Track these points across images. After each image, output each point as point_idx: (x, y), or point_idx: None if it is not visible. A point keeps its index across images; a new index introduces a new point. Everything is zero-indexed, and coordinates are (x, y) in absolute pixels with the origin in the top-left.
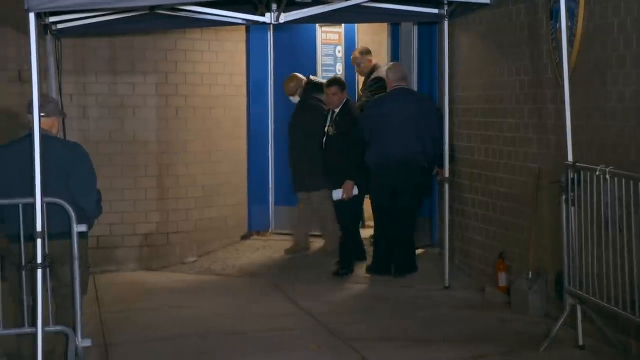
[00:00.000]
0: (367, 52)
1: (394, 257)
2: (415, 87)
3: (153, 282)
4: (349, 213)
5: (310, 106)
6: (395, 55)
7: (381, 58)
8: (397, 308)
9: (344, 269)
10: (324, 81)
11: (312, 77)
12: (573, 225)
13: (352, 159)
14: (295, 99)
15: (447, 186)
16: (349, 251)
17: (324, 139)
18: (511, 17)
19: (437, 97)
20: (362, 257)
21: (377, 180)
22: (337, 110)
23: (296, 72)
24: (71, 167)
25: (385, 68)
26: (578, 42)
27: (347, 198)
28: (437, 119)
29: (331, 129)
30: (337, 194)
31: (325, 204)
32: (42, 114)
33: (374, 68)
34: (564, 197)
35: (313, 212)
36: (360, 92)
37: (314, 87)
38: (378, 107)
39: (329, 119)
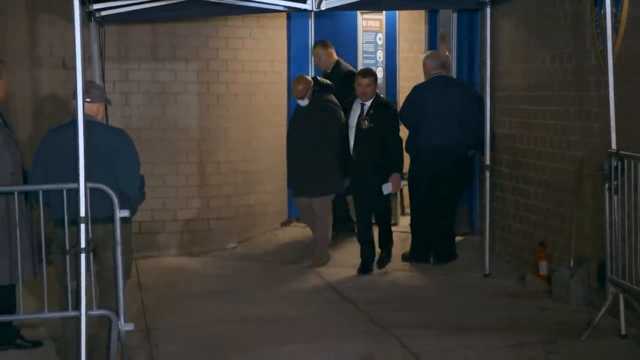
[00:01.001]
0: (328, 46)
1: (433, 245)
2: (453, 75)
3: (193, 267)
4: (385, 205)
5: (323, 108)
6: (432, 42)
7: (420, 46)
8: (437, 296)
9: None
10: (329, 82)
11: (318, 78)
12: (615, 214)
13: (397, 151)
14: (304, 102)
15: (487, 174)
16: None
17: (353, 134)
18: (554, 3)
19: (478, 84)
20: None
21: (418, 168)
22: (368, 103)
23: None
24: (115, 153)
25: (423, 56)
26: (622, 28)
27: (396, 191)
28: (477, 105)
29: (365, 123)
30: (387, 188)
31: (327, 211)
32: (87, 100)
33: (337, 62)
34: (606, 185)
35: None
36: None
37: (321, 88)
38: (418, 95)
39: (360, 112)
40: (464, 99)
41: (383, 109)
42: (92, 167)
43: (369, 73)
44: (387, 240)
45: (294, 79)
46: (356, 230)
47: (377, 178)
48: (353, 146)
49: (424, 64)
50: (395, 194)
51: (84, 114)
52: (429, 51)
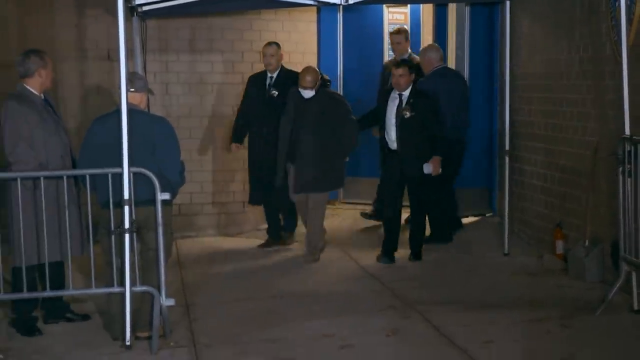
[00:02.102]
0: (278, 46)
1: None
2: (467, 66)
3: (229, 247)
4: (428, 195)
5: (331, 97)
6: (440, 35)
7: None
8: (458, 274)
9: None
10: (327, 76)
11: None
12: (628, 196)
13: (440, 136)
14: (310, 93)
15: (507, 158)
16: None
17: (394, 126)
18: None
19: (497, 74)
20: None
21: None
22: (405, 93)
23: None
24: (157, 140)
25: (422, 49)
26: (636, 20)
27: (436, 173)
28: (468, 91)
29: (406, 112)
30: (427, 168)
31: (322, 206)
32: (131, 90)
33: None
34: (620, 169)
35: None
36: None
37: (323, 82)
38: (434, 85)
39: (398, 103)
40: (462, 86)
41: (422, 97)
42: (136, 153)
43: (402, 63)
44: (422, 233)
45: (324, 70)
46: (384, 219)
47: (417, 167)
48: (397, 138)
49: (427, 58)
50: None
51: (128, 103)
52: (428, 44)
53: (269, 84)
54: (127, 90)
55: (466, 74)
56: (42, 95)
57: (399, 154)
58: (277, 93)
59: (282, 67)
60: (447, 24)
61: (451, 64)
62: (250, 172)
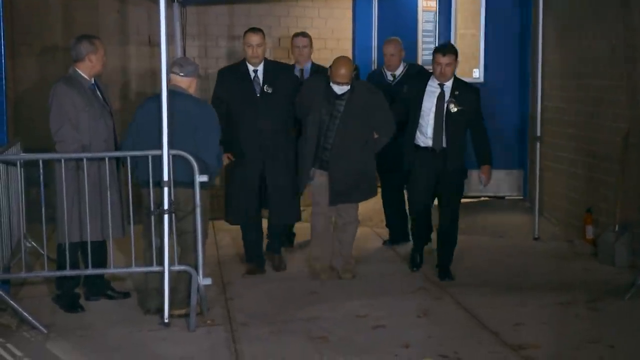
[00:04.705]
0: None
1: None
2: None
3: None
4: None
5: (370, 89)
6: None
7: (475, 26)
8: (489, 257)
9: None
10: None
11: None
12: None
13: (487, 140)
14: (344, 89)
15: (538, 144)
16: None
17: (432, 120)
18: None
19: (530, 60)
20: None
21: None
22: (448, 84)
23: (396, 37)
24: (199, 123)
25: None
26: None
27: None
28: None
29: (453, 106)
30: (483, 181)
31: (357, 218)
32: (180, 74)
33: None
34: None
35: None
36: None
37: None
38: None
39: (439, 94)
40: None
41: (468, 90)
42: (176, 135)
43: (449, 50)
44: (454, 248)
45: (359, 56)
46: (411, 226)
47: (460, 168)
48: (437, 135)
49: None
50: None
51: (174, 86)
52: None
53: (256, 78)
54: (177, 74)
55: (497, 60)
56: (92, 79)
57: (438, 153)
58: (271, 90)
59: (266, 59)
60: (481, 11)
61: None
62: (241, 185)
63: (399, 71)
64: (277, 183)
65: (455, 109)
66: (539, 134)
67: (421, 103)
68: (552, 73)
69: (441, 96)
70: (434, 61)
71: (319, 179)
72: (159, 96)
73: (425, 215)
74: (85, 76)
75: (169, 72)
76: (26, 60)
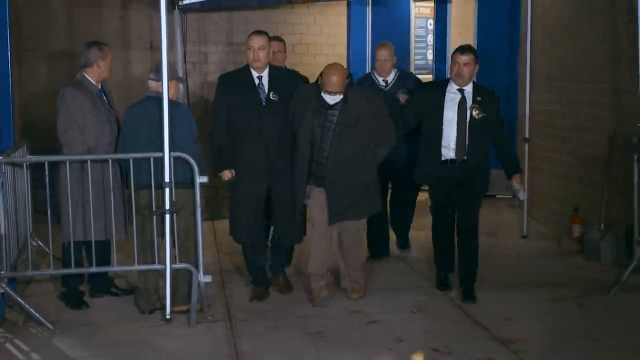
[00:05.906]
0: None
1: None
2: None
3: None
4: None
5: (369, 96)
6: (480, 27)
7: (469, 28)
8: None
9: None
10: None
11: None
12: None
13: (513, 148)
14: (336, 98)
15: (526, 145)
16: None
17: (455, 127)
18: None
19: (518, 63)
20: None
21: None
22: (467, 88)
23: (388, 42)
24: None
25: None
26: None
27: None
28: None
29: (476, 112)
30: (522, 194)
31: (363, 236)
32: (156, 80)
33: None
34: (635, 156)
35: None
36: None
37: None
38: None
39: (460, 99)
40: None
41: (489, 95)
42: (155, 138)
43: (468, 50)
44: (476, 257)
45: (354, 61)
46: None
47: (481, 179)
48: (460, 144)
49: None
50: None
51: (147, 94)
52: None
53: (260, 85)
54: (153, 80)
55: (488, 63)
56: (99, 85)
57: (458, 165)
58: (278, 98)
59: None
60: (474, 15)
61: None
62: (246, 205)
63: (390, 77)
64: (283, 200)
65: (479, 115)
66: (527, 135)
67: (442, 113)
68: (541, 76)
69: (463, 102)
70: (452, 61)
71: (317, 197)
72: (134, 105)
73: (449, 239)
74: (93, 81)
75: (169, 77)
76: (32, 65)
